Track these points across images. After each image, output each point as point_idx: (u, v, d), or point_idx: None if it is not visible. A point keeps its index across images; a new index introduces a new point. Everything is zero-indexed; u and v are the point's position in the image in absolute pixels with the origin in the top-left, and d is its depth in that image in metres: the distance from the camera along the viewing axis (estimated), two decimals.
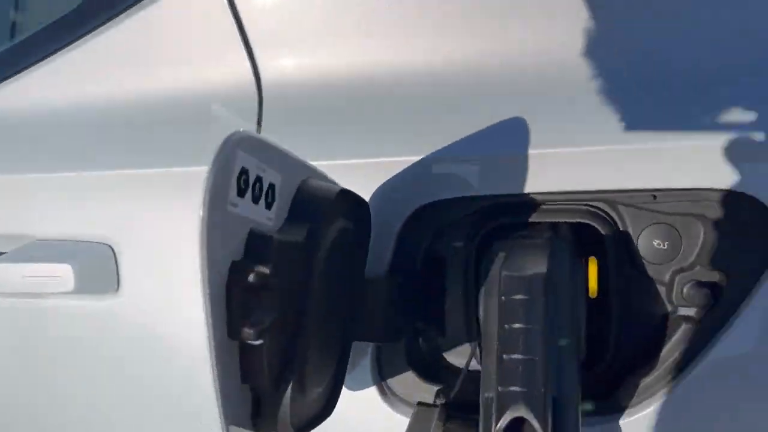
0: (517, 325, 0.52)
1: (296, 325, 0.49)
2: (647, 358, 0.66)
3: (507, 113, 0.66)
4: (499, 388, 0.49)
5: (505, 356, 0.50)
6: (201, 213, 0.39)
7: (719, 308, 0.62)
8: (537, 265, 0.57)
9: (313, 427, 0.55)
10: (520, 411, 0.47)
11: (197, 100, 0.77)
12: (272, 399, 0.48)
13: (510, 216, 0.70)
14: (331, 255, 0.53)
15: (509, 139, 0.65)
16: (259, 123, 0.74)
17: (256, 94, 0.75)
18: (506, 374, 0.49)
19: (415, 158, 0.67)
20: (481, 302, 0.64)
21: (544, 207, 0.69)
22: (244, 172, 0.42)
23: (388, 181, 0.68)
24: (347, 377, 0.71)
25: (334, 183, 0.58)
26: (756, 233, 0.60)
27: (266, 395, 0.48)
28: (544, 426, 0.46)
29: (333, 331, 0.58)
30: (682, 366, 0.64)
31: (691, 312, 0.64)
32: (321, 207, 0.51)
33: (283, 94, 0.74)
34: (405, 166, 0.68)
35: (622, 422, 0.65)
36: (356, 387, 0.73)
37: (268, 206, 0.46)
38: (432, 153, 0.67)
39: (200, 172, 0.74)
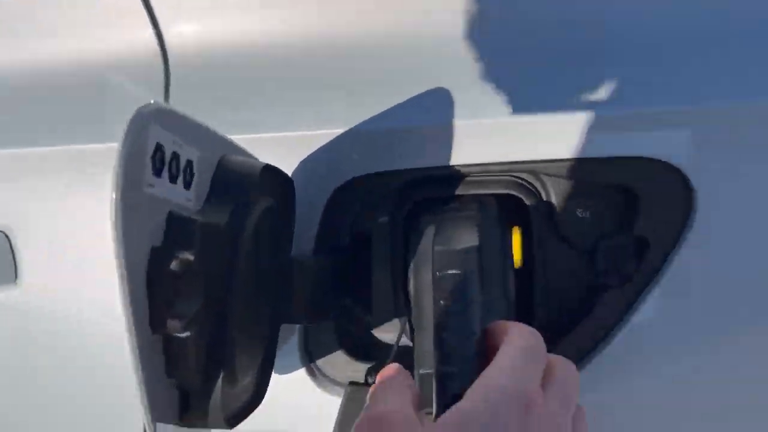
0: (452, 301, 0.51)
1: (222, 312, 0.46)
2: (572, 327, 0.67)
3: (429, 84, 0.64)
4: (438, 367, 0.48)
5: (443, 335, 0.49)
6: (113, 195, 0.34)
7: (641, 275, 0.63)
8: (468, 238, 0.56)
9: (245, 417, 0.53)
10: (460, 388, 0.46)
11: (96, 70, 0.70)
12: (201, 392, 0.45)
13: (435, 189, 0.69)
14: (256, 236, 0.50)
15: (433, 110, 0.64)
16: (166, 94, 0.69)
17: (162, 64, 0.69)
18: (444, 352, 0.48)
19: (338, 131, 0.65)
20: (411, 278, 0.63)
21: (469, 179, 0.68)
22: (159, 148, 0.38)
23: (310, 155, 0.65)
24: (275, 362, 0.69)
25: (255, 158, 0.55)
26: (673, 199, 0.62)
27: (194, 389, 0.44)
28: None
29: (261, 315, 0.55)
30: (605, 334, 0.65)
31: (613, 280, 0.65)
32: (244, 185, 0.47)
33: (192, 62, 0.69)
34: (327, 140, 0.65)
35: None
36: (285, 370, 0.70)
37: (187, 186, 0.42)
38: (355, 126, 0.64)
39: (101, 150, 0.69)
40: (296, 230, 0.64)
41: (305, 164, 0.65)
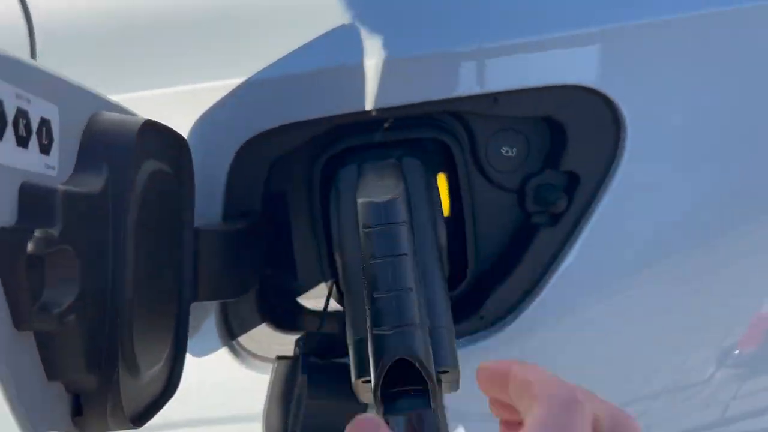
0: (382, 257, 0.46)
1: (112, 296, 0.39)
2: (508, 269, 0.64)
3: (332, 23, 0.58)
4: (374, 330, 0.43)
5: (374, 294, 0.44)
6: None
7: (572, 210, 0.60)
8: (393, 188, 0.51)
9: (155, 412, 0.46)
10: (399, 352, 0.41)
11: None
12: (96, 392, 0.39)
13: (351, 138, 0.63)
14: (144, 205, 0.43)
15: (337, 50, 0.57)
16: (32, 57, 0.59)
17: (25, 22, 0.60)
18: (378, 313, 0.43)
19: (235, 82, 0.57)
20: (335, 236, 0.57)
21: (386, 125, 0.63)
22: None
23: (206, 112, 0.58)
24: (191, 344, 0.63)
25: (135, 115, 0.47)
26: (602, 129, 0.59)
27: (89, 389, 0.38)
28: (427, 360, 0.41)
29: (164, 295, 0.49)
30: (542, 272, 0.62)
31: (545, 217, 0.62)
32: (122, 146, 0.40)
33: (61, 18, 0.60)
34: (224, 93, 0.58)
35: (494, 338, 0.63)
36: (204, 352, 0.64)
37: (45, 149, 0.35)
38: (253, 75, 0.57)
39: None
40: (199, 197, 0.57)
41: (202, 122, 0.58)
